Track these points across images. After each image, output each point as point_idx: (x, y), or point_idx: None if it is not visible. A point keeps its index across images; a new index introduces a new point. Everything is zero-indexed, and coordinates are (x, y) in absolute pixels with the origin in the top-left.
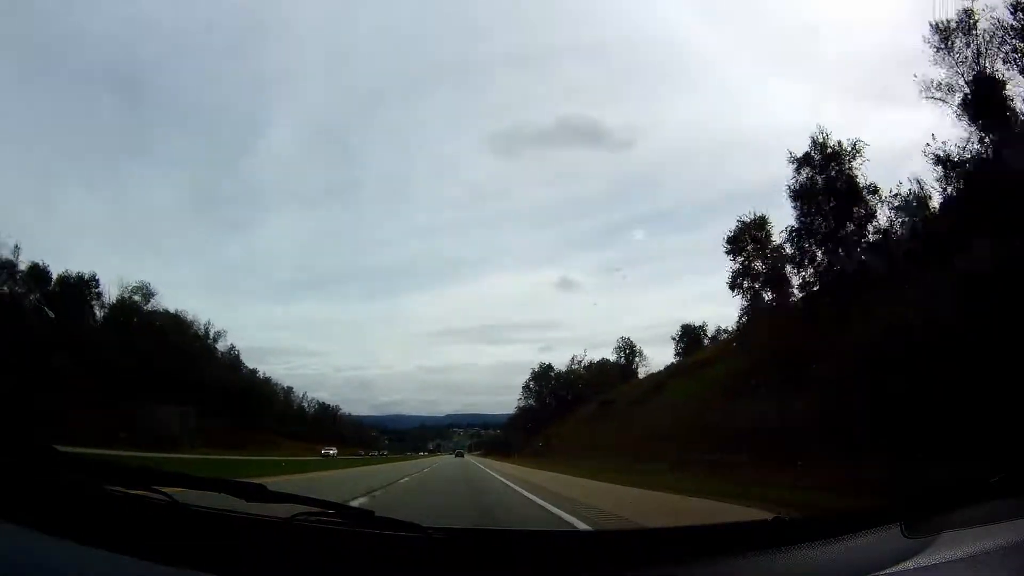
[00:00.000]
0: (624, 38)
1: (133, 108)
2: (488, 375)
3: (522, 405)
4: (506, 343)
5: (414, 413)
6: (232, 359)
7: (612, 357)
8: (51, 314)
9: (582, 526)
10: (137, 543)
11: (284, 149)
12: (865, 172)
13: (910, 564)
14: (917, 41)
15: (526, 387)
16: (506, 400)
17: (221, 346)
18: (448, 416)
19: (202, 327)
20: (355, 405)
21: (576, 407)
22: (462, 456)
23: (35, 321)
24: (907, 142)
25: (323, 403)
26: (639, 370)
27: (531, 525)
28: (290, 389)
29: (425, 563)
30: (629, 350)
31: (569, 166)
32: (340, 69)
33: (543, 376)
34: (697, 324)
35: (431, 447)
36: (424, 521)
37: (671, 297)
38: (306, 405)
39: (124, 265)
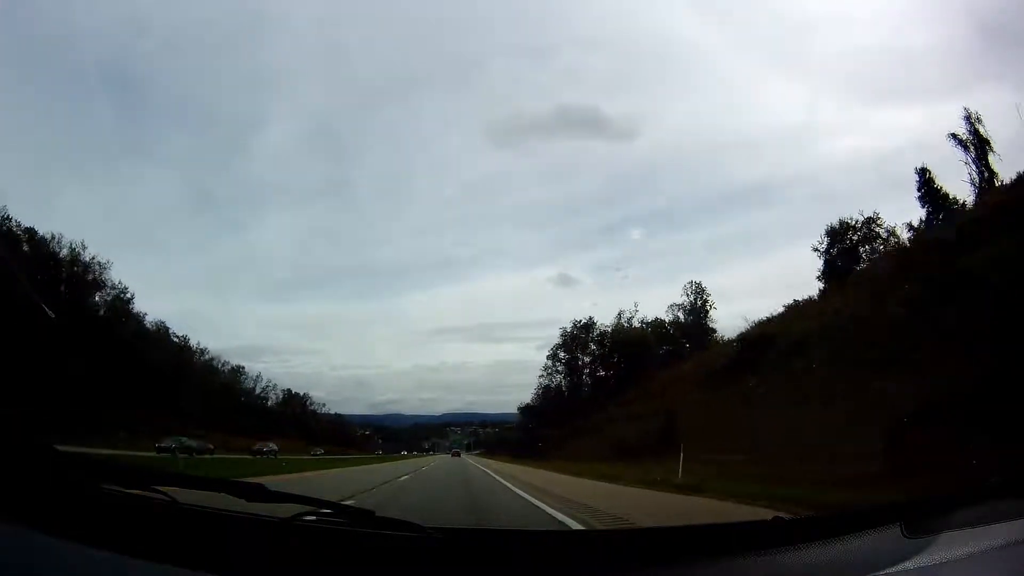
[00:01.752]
0: (621, 32)
1: (127, 106)
2: (485, 374)
3: (546, 384)
4: (503, 342)
5: (411, 412)
6: (119, 304)
7: (666, 317)
8: None
9: (581, 527)
10: (136, 543)
11: (279, 147)
12: None
13: (910, 564)
14: (913, 41)
15: (553, 356)
16: (504, 399)
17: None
18: (445, 415)
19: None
20: (352, 404)
21: (648, 374)
22: (459, 456)
23: None
24: (904, 140)
25: (289, 391)
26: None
27: (531, 525)
28: (239, 369)
29: (425, 563)
30: (700, 300)
31: (567, 166)
32: (333, 64)
33: (576, 341)
34: (859, 218)
35: (426, 446)
36: (424, 521)
37: (672, 295)
38: (258, 389)
39: (120, 263)
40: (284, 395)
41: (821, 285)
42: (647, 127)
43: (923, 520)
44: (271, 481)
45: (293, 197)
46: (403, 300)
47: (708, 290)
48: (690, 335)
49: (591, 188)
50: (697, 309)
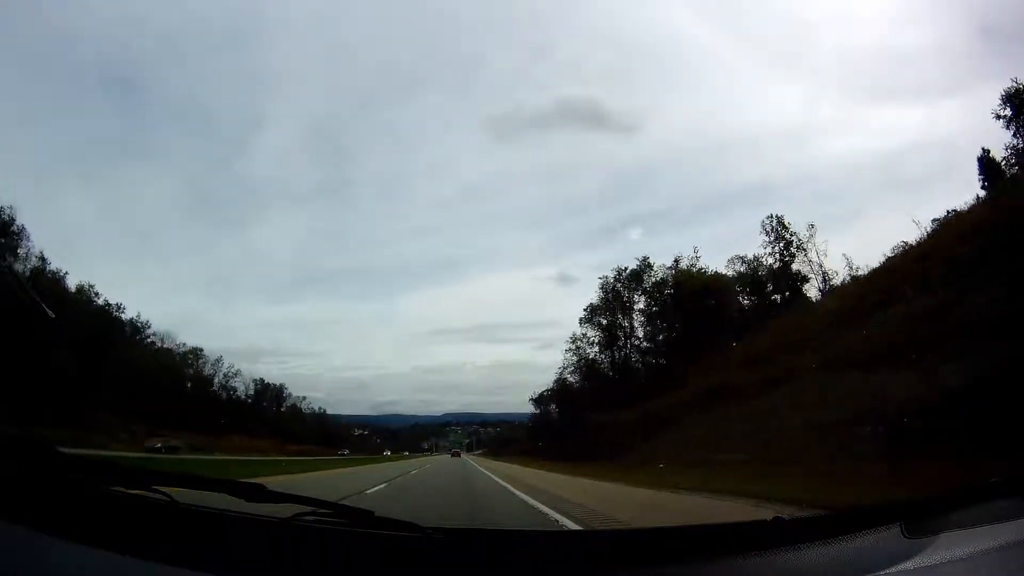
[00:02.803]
0: (621, 29)
1: (126, 107)
2: (485, 375)
3: (575, 361)
4: (503, 342)
5: (411, 413)
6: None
7: (726, 270)
8: None
9: (579, 527)
10: (137, 543)
11: (278, 148)
12: None
13: (910, 564)
14: (914, 39)
15: (589, 318)
16: (504, 400)
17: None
18: (445, 415)
19: None
20: (351, 405)
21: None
22: (459, 456)
23: None
24: (905, 139)
25: (262, 381)
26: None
27: (530, 525)
28: (197, 352)
29: (425, 563)
30: (781, 240)
31: (566, 166)
32: (332, 62)
33: (619, 299)
34: None
35: (426, 446)
36: (424, 521)
37: None
38: (219, 377)
39: (118, 266)
40: (257, 386)
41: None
42: (647, 125)
43: (923, 520)
44: (271, 481)
45: (292, 198)
46: (402, 301)
47: (793, 227)
48: (753, 287)
49: (591, 188)
50: (780, 252)
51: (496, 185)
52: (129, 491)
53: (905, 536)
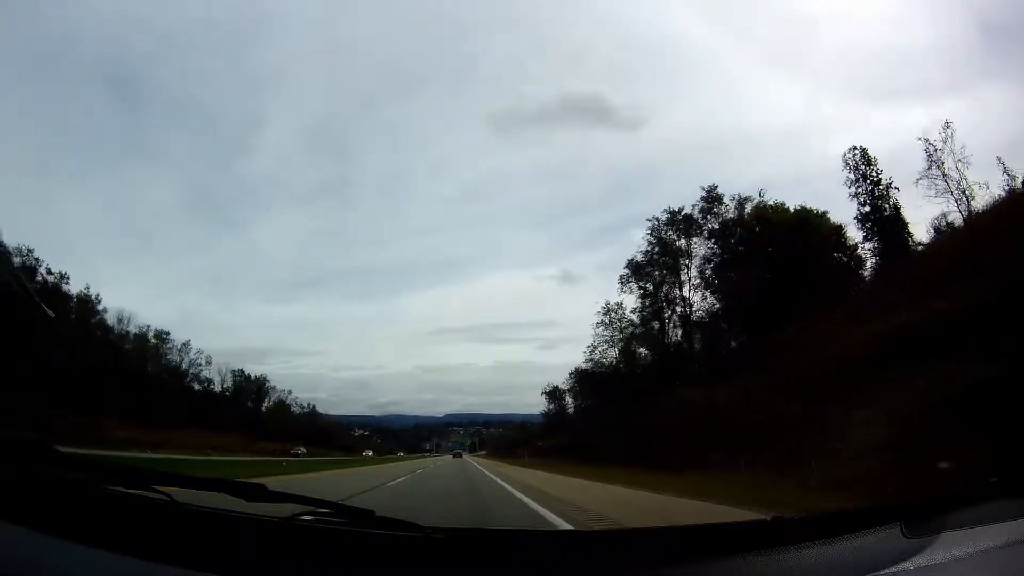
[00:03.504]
0: (623, 28)
1: (127, 107)
2: (487, 375)
3: (607, 336)
4: (505, 342)
5: (412, 413)
6: None
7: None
8: None
9: (582, 527)
10: (137, 543)
11: (279, 147)
12: None
13: (910, 564)
14: (915, 38)
15: (630, 278)
16: (506, 400)
17: None
18: (447, 416)
19: None
20: (353, 405)
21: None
22: (460, 457)
23: None
24: (902, 140)
25: (242, 371)
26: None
27: (531, 525)
28: (164, 335)
29: (425, 563)
30: (867, 179)
31: (568, 166)
32: (333, 58)
33: (669, 251)
34: None
35: (427, 447)
36: (424, 521)
37: None
38: (185, 365)
39: (121, 266)
40: (236, 378)
41: None
42: (648, 122)
43: (923, 520)
44: (272, 481)
45: (293, 197)
46: (404, 301)
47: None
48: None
49: (593, 186)
50: (870, 192)
51: (498, 184)
52: (129, 491)
53: (905, 536)
